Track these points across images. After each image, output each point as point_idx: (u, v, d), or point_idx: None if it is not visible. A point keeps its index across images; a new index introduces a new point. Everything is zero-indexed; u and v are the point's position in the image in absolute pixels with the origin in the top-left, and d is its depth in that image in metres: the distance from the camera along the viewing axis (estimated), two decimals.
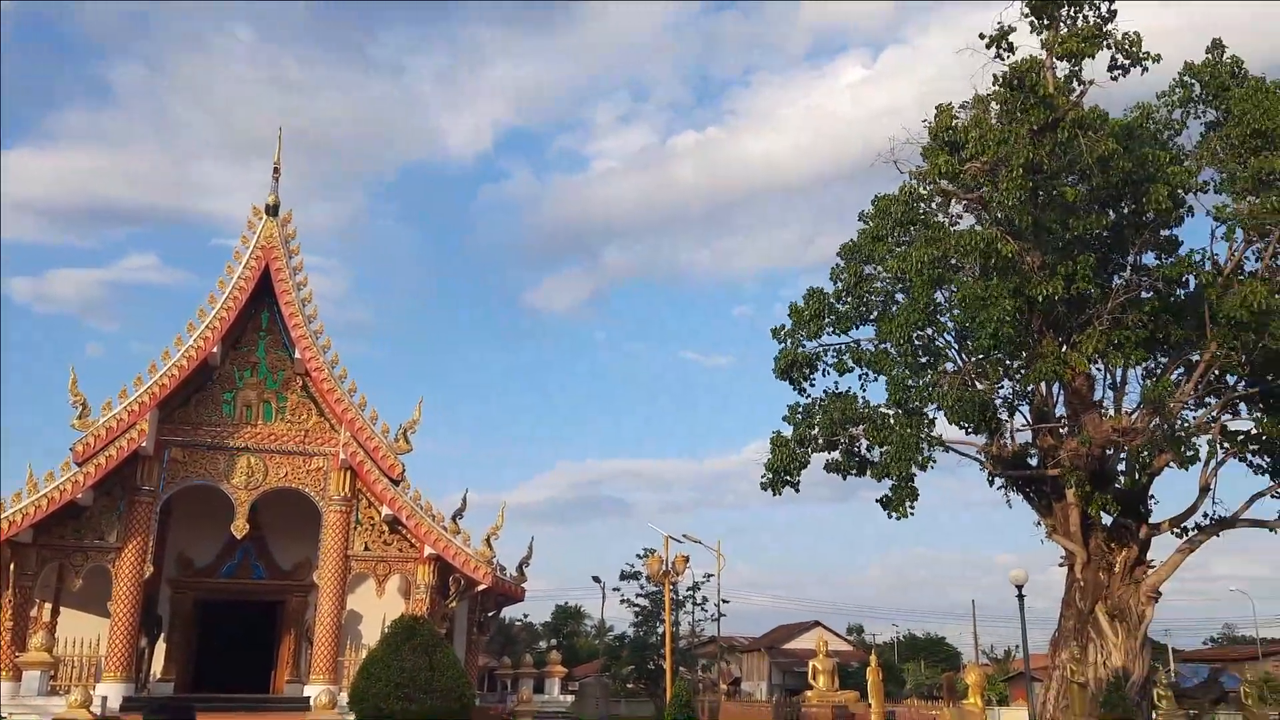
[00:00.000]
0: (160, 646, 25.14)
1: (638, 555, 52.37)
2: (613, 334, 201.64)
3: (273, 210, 25.10)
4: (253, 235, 24.79)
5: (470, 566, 23.74)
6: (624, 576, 56.67)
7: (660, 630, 47.60)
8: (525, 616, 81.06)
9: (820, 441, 23.87)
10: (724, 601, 55.72)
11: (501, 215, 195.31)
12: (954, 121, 21.26)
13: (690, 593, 57.25)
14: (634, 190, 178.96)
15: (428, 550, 23.60)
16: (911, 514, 21.79)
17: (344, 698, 20.31)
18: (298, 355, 24.21)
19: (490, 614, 30.41)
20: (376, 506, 24.00)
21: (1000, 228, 20.16)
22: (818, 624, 69.69)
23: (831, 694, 34.99)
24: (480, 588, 24.75)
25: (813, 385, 25.22)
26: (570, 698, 31.66)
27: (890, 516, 22.20)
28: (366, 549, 23.98)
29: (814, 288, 25.66)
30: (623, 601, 58.10)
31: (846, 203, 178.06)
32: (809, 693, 35.93)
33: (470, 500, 26.52)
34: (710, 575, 53.56)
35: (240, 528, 23.47)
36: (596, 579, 68.12)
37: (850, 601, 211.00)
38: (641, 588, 55.66)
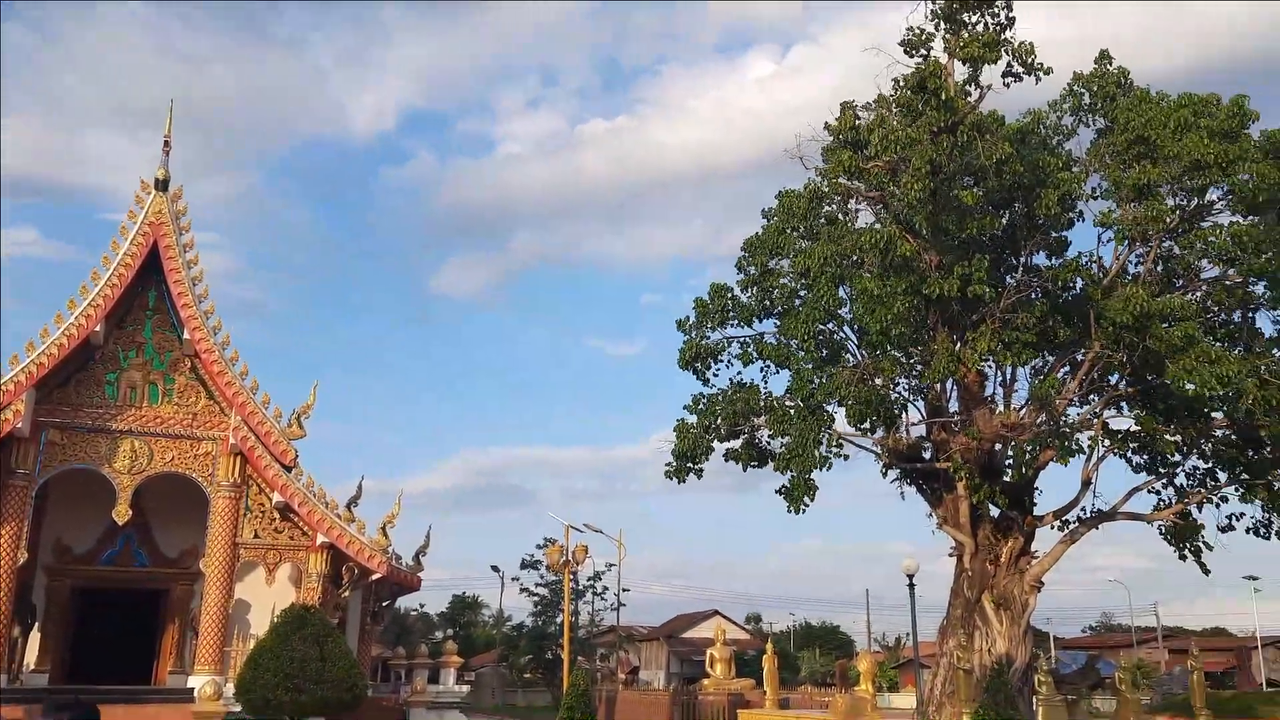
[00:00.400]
0: (35, 636, 24.06)
1: (538, 545, 52.30)
2: (519, 319, 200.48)
3: (162, 184, 24.17)
4: (140, 210, 23.85)
5: (364, 555, 23.30)
6: (524, 565, 56.57)
7: (559, 620, 47.56)
8: (421, 606, 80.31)
9: (723, 431, 24.12)
10: (624, 591, 56.02)
11: (405, 196, 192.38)
12: (857, 121, 21.58)
13: (591, 582, 57.43)
14: (541, 175, 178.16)
15: (320, 538, 23.09)
16: (806, 508, 22.05)
17: (230, 689, 19.73)
18: (186, 336, 23.39)
19: (385, 603, 29.93)
20: (267, 493, 23.37)
21: (900, 225, 20.56)
22: (716, 613, 70.54)
23: (728, 681, 35.46)
24: (375, 577, 24.34)
25: (716, 376, 25.50)
26: (466, 688, 31.45)
27: (788, 510, 22.50)
28: (256, 536, 23.34)
29: (718, 283, 25.91)
30: (522, 591, 58.01)
31: (756, 195, 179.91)
32: (706, 680, 36.36)
33: (367, 488, 26.04)
34: (611, 565, 53.82)
35: (122, 514, 22.60)
36: (495, 568, 67.77)
37: (750, 591, 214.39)
38: (541, 577, 55.64)
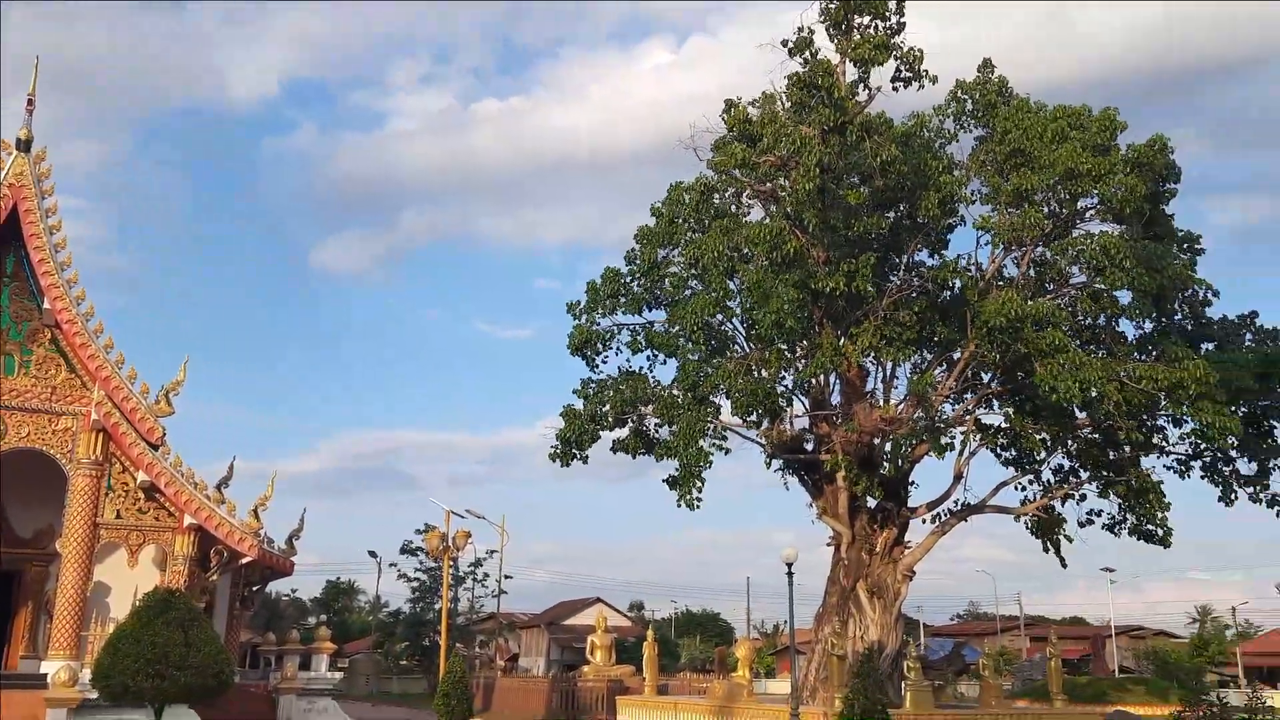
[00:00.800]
0: None
1: (418, 531, 51.56)
2: (406, 299, 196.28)
3: (24, 145, 22.86)
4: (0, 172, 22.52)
5: (234, 538, 22.57)
6: (404, 551, 55.73)
7: (438, 606, 47.01)
8: (294, 591, 78.42)
9: (611, 419, 24.16)
10: (506, 578, 55.76)
11: (288, 167, 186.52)
12: (747, 115, 21.78)
13: (472, 569, 56.98)
14: (433, 153, 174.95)
15: (188, 520, 22.26)
16: (699, 503, 21.97)
17: (87, 675, 18.85)
18: (47, 305, 22.21)
19: (255, 588, 29.06)
20: (132, 472, 22.40)
21: (789, 221, 20.86)
22: (599, 600, 70.72)
23: (608, 668, 35.65)
24: (245, 560, 23.59)
25: (605, 362, 25.55)
26: (340, 675, 30.74)
27: (679, 505, 22.47)
28: (119, 517, 22.33)
29: (611, 268, 25.92)
30: (400, 577, 57.15)
31: (651, 183, 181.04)
32: (586, 668, 36.50)
33: (240, 469, 25.16)
34: (494, 552, 53.46)
35: None
36: (373, 553, 66.61)
37: (634, 579, 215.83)
38: (421, 563, 54.92)
